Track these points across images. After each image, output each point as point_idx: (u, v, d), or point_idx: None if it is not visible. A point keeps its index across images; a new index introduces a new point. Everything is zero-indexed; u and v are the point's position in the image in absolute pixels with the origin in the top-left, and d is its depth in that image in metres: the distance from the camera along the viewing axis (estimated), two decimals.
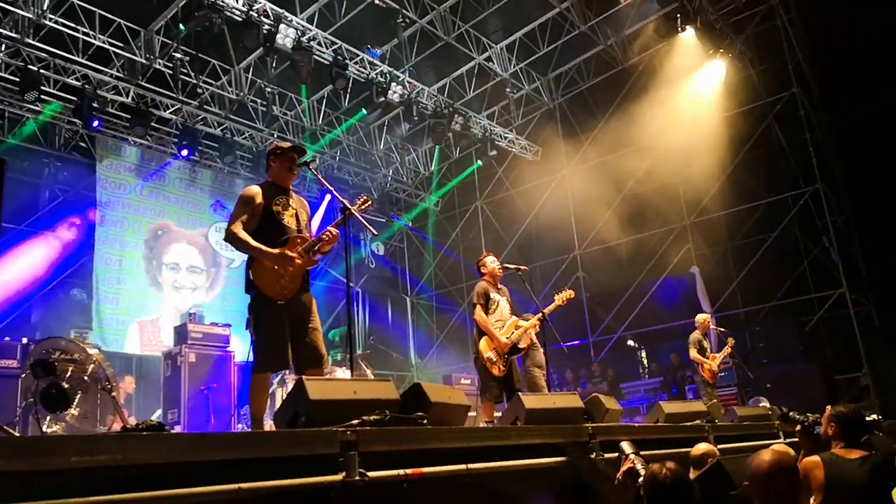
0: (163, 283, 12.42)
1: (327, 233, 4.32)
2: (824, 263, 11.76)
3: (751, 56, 12.97)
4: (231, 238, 4.22)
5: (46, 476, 1.96)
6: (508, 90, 13.87)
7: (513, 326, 6.32)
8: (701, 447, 4.32)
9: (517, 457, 3.57)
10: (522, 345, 6.35)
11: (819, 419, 4.24)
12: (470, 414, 6.17)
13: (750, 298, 12.38)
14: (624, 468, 3.09)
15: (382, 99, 12.00)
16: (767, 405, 8.96)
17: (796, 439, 4.73)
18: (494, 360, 6.14)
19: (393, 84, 12.02)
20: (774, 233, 12.10)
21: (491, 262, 6.59)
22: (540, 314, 6.43)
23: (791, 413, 4.85)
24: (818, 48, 12.42)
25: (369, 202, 4.60)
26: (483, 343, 6.22)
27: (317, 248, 4.32)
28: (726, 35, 12.44)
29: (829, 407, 3.97)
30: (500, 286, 6.58)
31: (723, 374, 9.87)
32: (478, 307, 6.32)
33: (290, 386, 6.49)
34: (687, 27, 11.75)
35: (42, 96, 10.45)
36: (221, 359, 8.70)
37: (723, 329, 10.21)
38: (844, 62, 11.54)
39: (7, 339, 6.77)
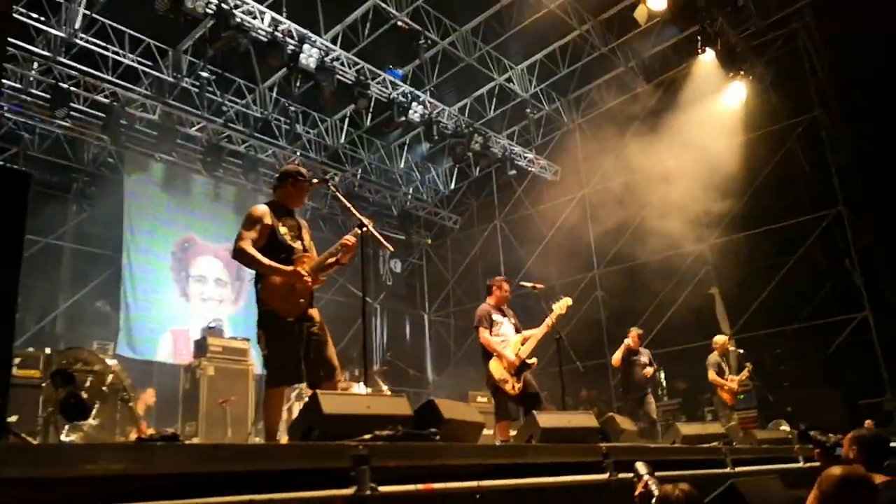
0: (191, 294, 12.64)
1: (344, 242, 4.37)
2: (847, 287, 11.61)
3: (772, 78, 12.92)
4: (240, 254, 4.23)
5: (61, 484, 1.99)
6: (528, 111, 13.96)
7: (519, 343, 6.29)
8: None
9: (530, 475, 3.57)
10: (531, 360, 6.27)
11: (840, 440, 4.19)
12: (487, 432, 6.18)
13: (771, 321, 12.22)
14: (638, 489, 3.09)
15: (403, 118, 12.13)
16: (788, 429, 8.83)
17: (816, 462, 4.67)
18: (507, 379, 6.12)
19: (414, 104, 12.14)
20: (796, 255, 11.98)
21: (502, 287, 6.60)
22: (544, 324, 6.35)
23: (812, 433, 4.77)
24: (841, 71, 12.36)
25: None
26: (493, 364, 6.19)
27: (331, 260, 4.39)
28: (747, 57, 12.42)
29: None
30: (504, 308, 6.58)
31: (742, 396, 9.75)
32: (481, 329, 6.33)
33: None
34: (707, 49, 11.75)
35: (72, 112, 10.70)
36: (240, 372, 8.78)
37: (741, 351, 10.10)
38: (868, 84, 11.46)
39: (30, 349, 6.88)
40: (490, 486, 3.27)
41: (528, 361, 6.23)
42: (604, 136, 13.93)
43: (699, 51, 11.78)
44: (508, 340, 6.33)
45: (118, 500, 2.06)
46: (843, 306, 11.60)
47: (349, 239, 4.37)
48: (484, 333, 6.31)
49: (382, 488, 2.74)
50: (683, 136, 12.62)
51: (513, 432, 5.94)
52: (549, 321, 6.38)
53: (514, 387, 6.11)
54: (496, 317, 6.43)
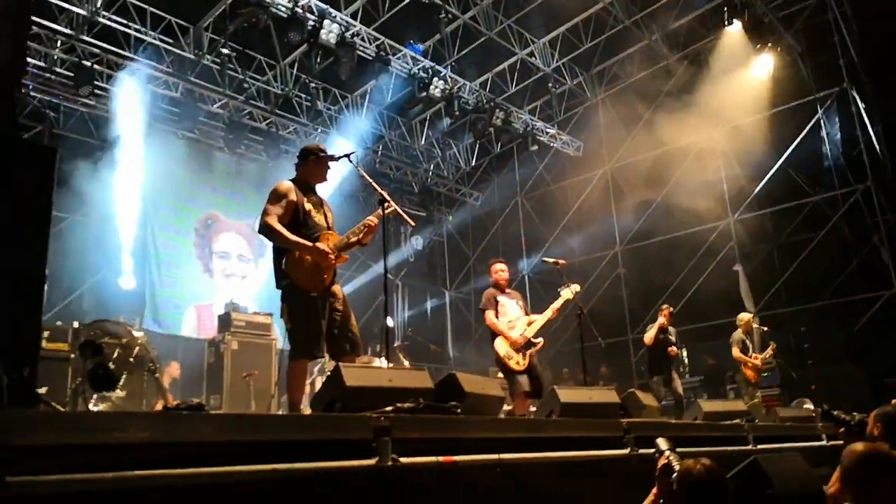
0: (214, 270, 12.79)
1: (367, 223, 4.39)
2: (874, 264, 11.43)
3: (800, 50, 12.64)
4: (267, 230, 4.25)
5: (91, 450, 2.04)
6: (551, 85, 13.79)
7: (525, 324, 6.40)
8: None
9: (550, 449, 3.58)
10: (537, 340, 6.36)
11: (865, 419, 4.14)
12: (507, 407, 6.23)
13: (795, 298, 12.10)
14: (660, 464, 3.08)
15: (424, 94, 12.06)
16: (811, 407, 8.76)
17: (840, 441, 4.61)
18: (512, 355, 6.24)
19: (435, 79, 12.06)
20: (822, 231, 11.80)
21: (496, 270, 6.66)
22: (550, 308, 6.45)
23: (836, 412, 4.72)
24: (871, 42, 12.04)
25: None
26: (498, 343, 6.32)
27: (354, 239, 4.41)
28: (775, 29, 12.14)
29: None
30: (509, 290, 6.66)
31: (765, 374, 9.69)
32: (487, 312, 6.44)
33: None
34: (734, 21, 11.51)
35: (95, 90, 10.77)
36: (263, 347, 8.89)
37: (765, 328, 10.01)
38: None
39: (58, 323, 7.00)
40: (511, 459, 3.30)
41: (534, 341, 6.34)
42: (627, 110, 13.76)
43: (726, 22, 11.56)
44: (515, 323, 6.43)
45: (145, 468, 2.10)
46: (869, 284, 11.43)
47: (372, 220, 4.40)
48: (489, 316, 6.43)
49: (404, 459, 2.77)
50: (709, 111, 12.44)
51: (532, 408, 5.98)
52: (555, 305, 6.48)
53: (518, 363, 6.23)
54: (501, 299, 6.53)
